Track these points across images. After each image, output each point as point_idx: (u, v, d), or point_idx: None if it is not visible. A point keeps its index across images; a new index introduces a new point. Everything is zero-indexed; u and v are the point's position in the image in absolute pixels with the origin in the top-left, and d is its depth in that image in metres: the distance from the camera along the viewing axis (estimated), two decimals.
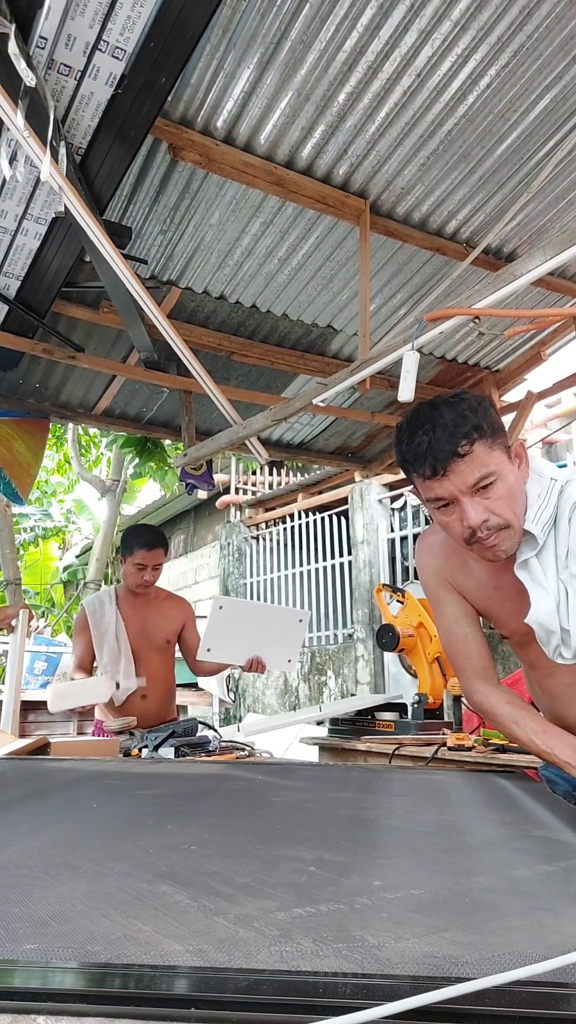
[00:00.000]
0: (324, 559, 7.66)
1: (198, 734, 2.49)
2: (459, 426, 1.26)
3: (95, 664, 3.01)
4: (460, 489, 1.26)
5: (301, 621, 2.77)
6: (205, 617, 2.72)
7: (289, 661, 2.79)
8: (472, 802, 1.30)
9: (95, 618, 2.98)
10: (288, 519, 8.20)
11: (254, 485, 10.15)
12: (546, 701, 1.48)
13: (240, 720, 7.34)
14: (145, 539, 2.93)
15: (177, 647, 3.16)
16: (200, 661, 2.83)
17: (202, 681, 7.32)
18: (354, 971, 0.50)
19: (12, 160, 2.46)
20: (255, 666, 2.71)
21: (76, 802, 1.27)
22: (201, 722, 2.60)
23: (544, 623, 1.30)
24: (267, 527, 8.69)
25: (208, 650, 2.62)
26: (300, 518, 8.00)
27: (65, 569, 14.70)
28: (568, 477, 1.35)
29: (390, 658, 6.28)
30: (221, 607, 2.67)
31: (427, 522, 6.73)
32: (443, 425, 1.26)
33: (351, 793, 1.39)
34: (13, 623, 2.74)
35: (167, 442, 6.74)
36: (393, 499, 6.93)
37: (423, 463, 1.27)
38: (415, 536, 6.88)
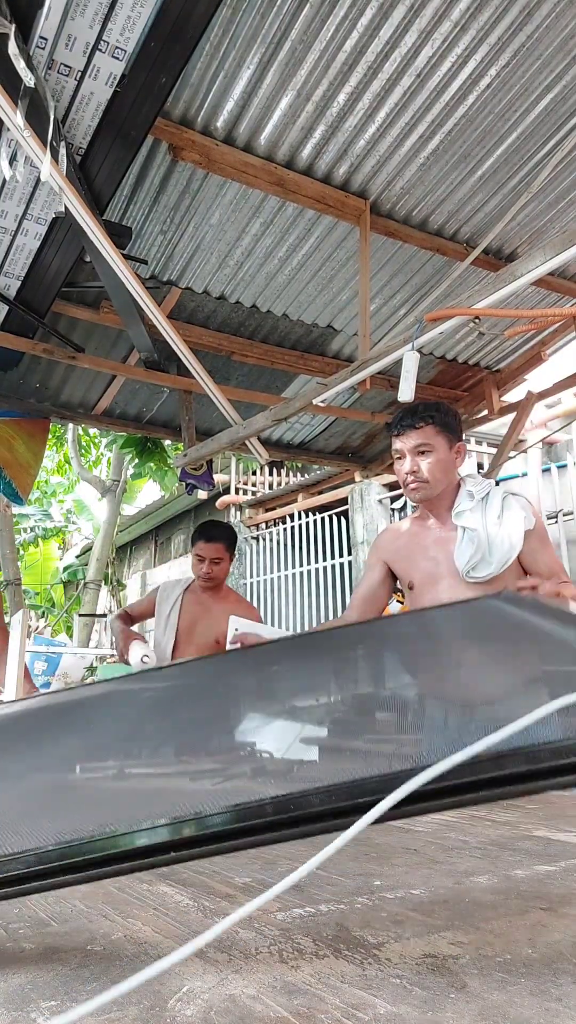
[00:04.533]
0: (324, 559, 7.66)
1: None
2: (424, 412, 1.91)
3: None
4: (407, 447, 1.90)
5: None
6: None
7: None
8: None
9: (162, 596, 3.18)
10: (288, 519, 8.20)
11: (254, 485, 10.14)
12: None
13: None
14: (206, 532, 3.08)
15: None
16: None
17: None
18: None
19: (12, 160, 2.46)
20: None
21: None
22: None
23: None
24: (267, 527, 8.69)
25: None
26: (300, 518, 7.99)
27: (65, 569, 14.72)
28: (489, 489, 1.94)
29: None
30: (237, 628, 2.79)
31: None
32: (415, 409, 1.93)
33: None
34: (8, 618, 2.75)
35: (167, 442, 6.75)
36: (393, 499, 6.93)
37: (395, 424, 1.94)
38: None
